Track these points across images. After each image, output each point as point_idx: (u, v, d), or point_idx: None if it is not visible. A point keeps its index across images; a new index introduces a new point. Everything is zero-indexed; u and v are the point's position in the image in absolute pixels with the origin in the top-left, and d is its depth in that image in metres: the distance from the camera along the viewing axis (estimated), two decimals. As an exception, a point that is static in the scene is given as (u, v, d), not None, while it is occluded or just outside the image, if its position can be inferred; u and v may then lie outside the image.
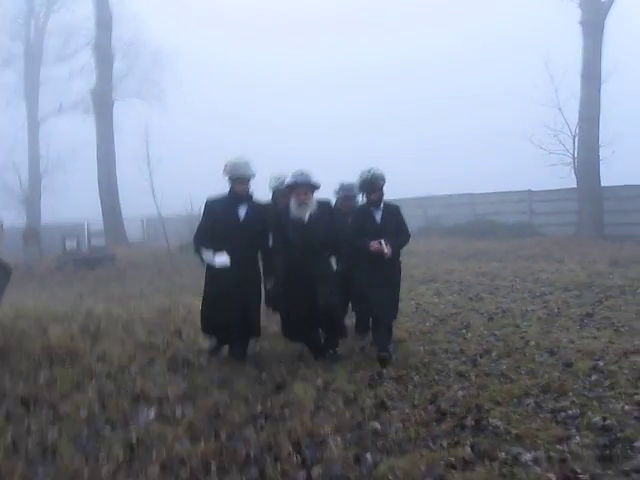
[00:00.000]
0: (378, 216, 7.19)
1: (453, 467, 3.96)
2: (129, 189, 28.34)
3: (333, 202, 7.89)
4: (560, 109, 23.29)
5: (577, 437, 4.38)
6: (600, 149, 22.16)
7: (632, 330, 7.84)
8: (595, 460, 4.01)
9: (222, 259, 6.67)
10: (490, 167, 32.27)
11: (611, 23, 21.85)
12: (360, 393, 5.60)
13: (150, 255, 20.77)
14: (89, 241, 21.01)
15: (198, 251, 6.91)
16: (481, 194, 26.23)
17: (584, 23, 21.86)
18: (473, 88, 36.41)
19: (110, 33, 25.94)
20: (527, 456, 4.06)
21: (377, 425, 4.77)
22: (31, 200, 32.11)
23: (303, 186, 6.71)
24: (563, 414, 4.87)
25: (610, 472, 3.85)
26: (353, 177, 7.63)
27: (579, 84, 22.28)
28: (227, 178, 6.92)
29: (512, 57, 32.63)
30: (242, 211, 6.88)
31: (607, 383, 5.67)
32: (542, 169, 23.40)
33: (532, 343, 7.24)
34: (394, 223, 7.21)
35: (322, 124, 39.65)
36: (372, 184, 7.16)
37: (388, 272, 7.05)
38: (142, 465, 4.27)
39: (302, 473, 4.04)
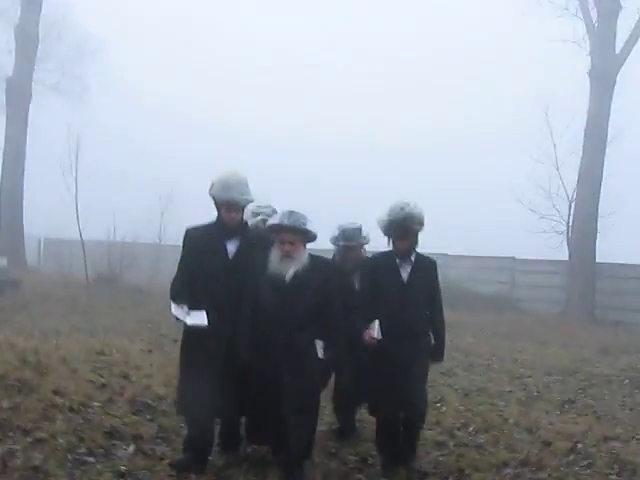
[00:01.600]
0: (406, 273, 6.59)
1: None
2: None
3: (331, 255, 7.68)
4: (557, 168, 25.35)
5: (553, 503, 5.89)
6: (599, 220, 24.20)
7: (614, 419, 9.47)
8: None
9: (197, 318, 6.10)
10: (468, 225, 33.89)
11: (622, 79, 24.12)
12: (341, 449, 7.02)
13: (60, 285, 21.81)
14: (-15, 262, 21.90)
15: (174, 302, 6.31)
16: (456, 256, 27.45)
17: (593, 75, 24.05)
18: (459, 128, 38.59)
19: (39, 14, 27.13)
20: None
21: (363, 477, 6.20)
22: None
23: (290, 231, 6.09)
24: (541, 485, 6.39)
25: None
26: (359, 219, 7.55)
27: (581, 142, 24.36)
28: (213, 202, 6.41)
29: (509, 100, 34.88)
30: (232, 247, 6.31)
31: (584, 463, 7.21)
32: (530, 235, 25.20)
33: (511, 421, 8.77)
34: (426, 286, 6.65)
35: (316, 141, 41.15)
36: (404, 227, 6.48)
37: (415, 357, 6.50)
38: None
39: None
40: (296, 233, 6.10)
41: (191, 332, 6.22)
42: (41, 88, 30.92)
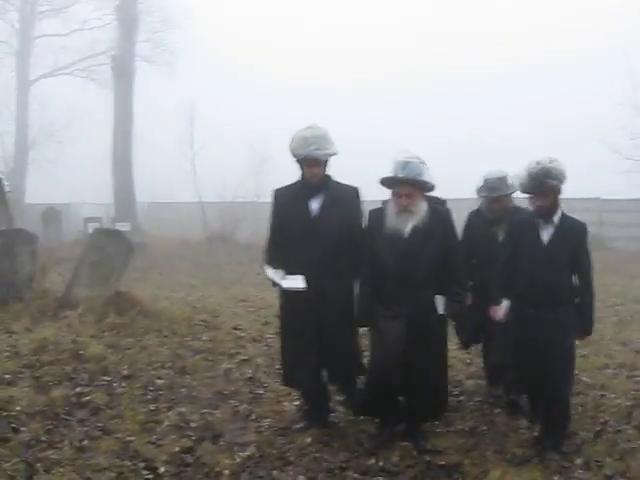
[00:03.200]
0: (546, 234, 6.07)
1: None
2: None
3: (478, 205, 7.54)
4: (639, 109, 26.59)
5: (646, 390, 7.79)
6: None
7: (698, 336, 11.23)
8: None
9: (293, 282, 6.11)
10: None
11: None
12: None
13: (179, 246, 24.22)
14: (114, 226, 24.25)
15: (269, 266, 6.36)
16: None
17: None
18: (543, 80, 39.60)
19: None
20: (610, 396, 7.45)
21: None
22: (17, 174, 34.80)
23: (406, 183, 5.84)
24: (635, 378, 8.25)
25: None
26: (504, 165, 7.19)
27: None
28: (295, 159, 6.30)
29: (588, 48, 35.84)
30: (315, 204, 6.22)
31: (672, 364, 9.06)
32: (614, 175, 26.50)
33: (608, 337, 10.58)
34: (570, 250, 6.09)
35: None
36: (539, 182, 5.94)
37: (558, 328, 5.98)
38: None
39: None
40: (413, 185, 5.84)
41: (287, 298, 6.25)
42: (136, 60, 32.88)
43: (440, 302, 5.92)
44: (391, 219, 5.91)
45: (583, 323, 6.13)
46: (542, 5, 42.10)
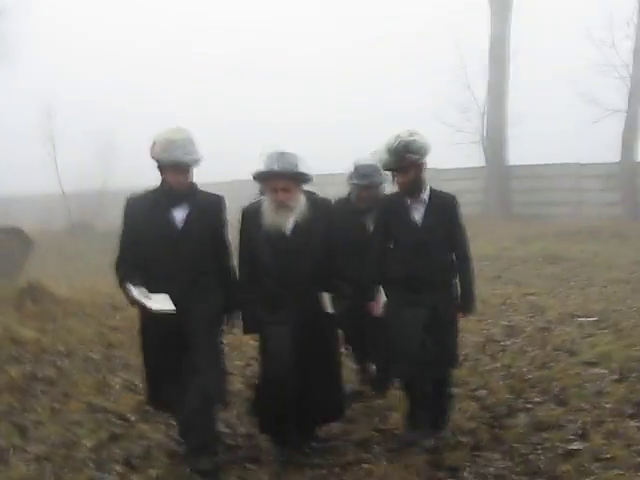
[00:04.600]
0: (419, 213, 5.85)
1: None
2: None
3: (347, 193, 7.29)
4: (469, 87, 29.15)
5: (494, 329, 9.76)
6: (508, 128, 28.30)
7: (530, 285, 13.49)
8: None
9: (162, 303, 5.42)
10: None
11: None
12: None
13: (41, 236, 24.85)
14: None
15: (123, 284, 5.61)
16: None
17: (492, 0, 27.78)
18: (375, 62, 41.69)
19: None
20: (467, 335, 9.40)
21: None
22: None
23: (282, 177, 5.45)
24: (484, 322, 10.27)
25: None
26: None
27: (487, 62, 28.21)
28: (156, 164, 5.66)
29: (418, 31, 38.16)
30: (180, 214, 5.65)
31: (511, 310, 11.16)
32: (447, 147, 28.86)
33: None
34: (444, 226, 5.87)
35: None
36: (400, 159, 5.70)
37: (438, 310, 5.78)
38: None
39: None
40: (290, 178, 5.46)
41: (148, 316, 5.56)
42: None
43: (327, 299, 5.64)
44: (269, 216, 5.55)
45: (465, 301, 6.01)
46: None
